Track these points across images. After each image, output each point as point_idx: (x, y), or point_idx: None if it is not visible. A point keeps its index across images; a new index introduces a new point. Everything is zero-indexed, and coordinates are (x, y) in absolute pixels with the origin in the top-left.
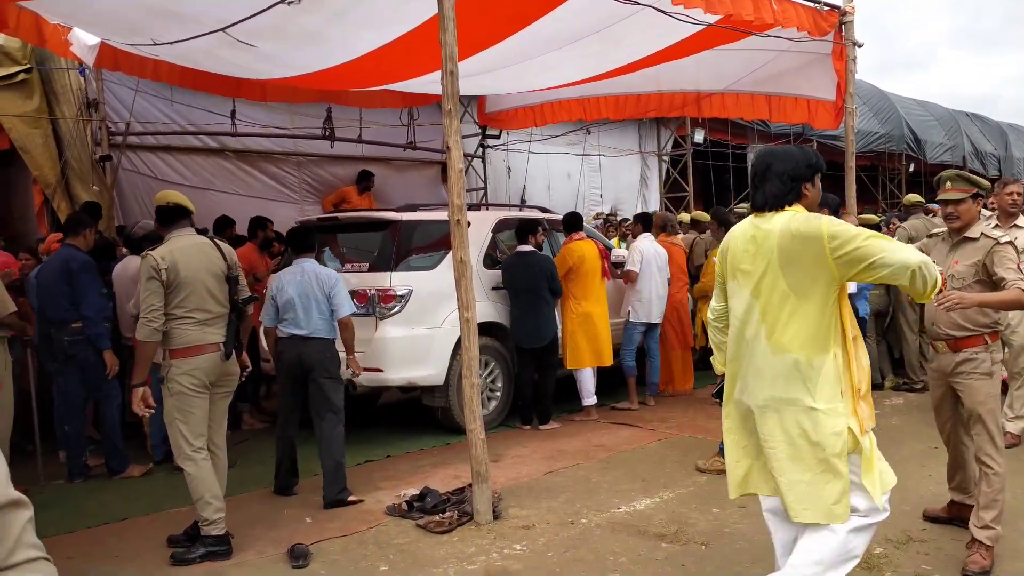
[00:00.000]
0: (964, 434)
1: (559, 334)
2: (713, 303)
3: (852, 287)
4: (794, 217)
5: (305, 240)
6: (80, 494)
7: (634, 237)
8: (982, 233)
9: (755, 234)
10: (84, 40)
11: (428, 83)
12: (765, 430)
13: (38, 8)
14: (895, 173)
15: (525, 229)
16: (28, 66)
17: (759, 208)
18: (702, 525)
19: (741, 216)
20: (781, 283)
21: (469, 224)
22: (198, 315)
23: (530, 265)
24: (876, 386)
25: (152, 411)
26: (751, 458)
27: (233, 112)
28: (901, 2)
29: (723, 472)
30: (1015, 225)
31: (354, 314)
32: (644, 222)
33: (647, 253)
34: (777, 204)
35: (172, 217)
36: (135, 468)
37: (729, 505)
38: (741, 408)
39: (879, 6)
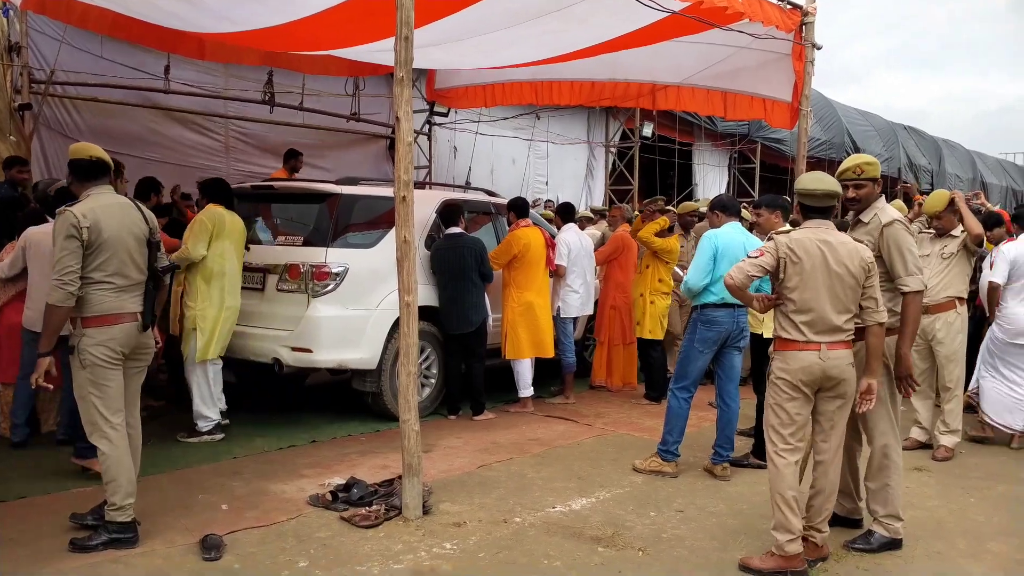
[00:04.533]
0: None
1: (488, 321)
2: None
3: None
4: None
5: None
6: None
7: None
8: None
9: None
10: None
11: (377, 51)
12: None
13: None
14: None
15: (453, 211)
16: None
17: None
18: (639, 529)
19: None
20: None
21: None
22: (118, 280)
23: (460, 248)
24: None
25: (51, 387)
26: None
27: (167, 68)
28: (839, 17)
29: (660, 472)
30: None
31: (283, 290)
32: (564, 213)
33: (573, 244)
34: None
35: (93, 172)
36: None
37: (667, 509)
38: None
39: (818, 18)
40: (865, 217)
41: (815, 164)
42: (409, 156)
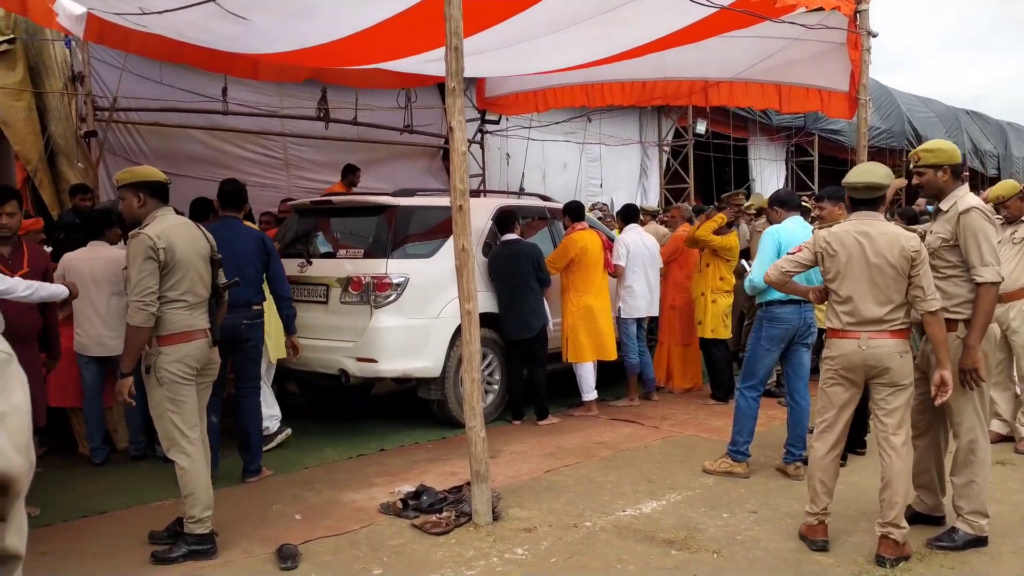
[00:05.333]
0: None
1: (549, 325)
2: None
3: None
4: None
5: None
6: (56, 485)
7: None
8: None
9: None
10: (70, 9)
11: (427, 62)
12: None
13: None
14: (895, 170)
15: (509, 217)
16: (11, 36)
17: None
18: (712, 531)
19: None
20: None
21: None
22: (190, 298)
23: (516, 254)
24: None
25: (133, 403)
26: None
27: (224, 90)
28: (886, 3)
29: (731, 474)
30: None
31: (347, 302)
32: (625, 214)
33: (633, 245)
34: None
35: (166, 195)
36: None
37: (740, 510)
38: None
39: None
40: (944, 205)
41: (875, 153)
42: (464, 166)
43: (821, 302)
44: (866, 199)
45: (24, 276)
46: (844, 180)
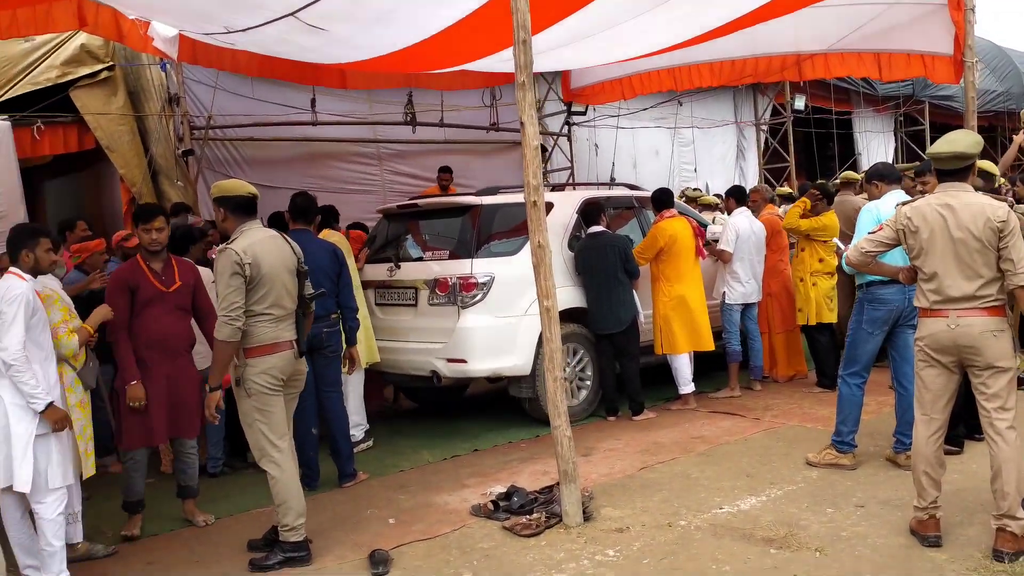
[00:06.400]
0: None
1: (640, 318)
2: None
3: None
4: None
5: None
6: (162, 496)
7: (727, 212)
8: None
9: None
10: (163, 33)
11: (508, 60)
12: None
13: (114, 3)
14: (1015, 133)
15: (594, 209)
16: (111, 63)
17: None
18: (815, 528)
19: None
20: None
21: (553, 206)
22: (276, 311)
23: (603, 246)
24: None
25: (219, 416)
26: None
27: (313, 101)
28: None
29: (836, 465)
30: None
31: (435, 303)
32: (738, 196)
33: (743, 230)
34: None
35: (248, 209)
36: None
37: (846, 504)
38: None
39: None
40: None
41: (992, 118)
42: (536, 160)
43: (911, 282)
44: (952, 170)
45: (176, 290)
46: (928, 151)
